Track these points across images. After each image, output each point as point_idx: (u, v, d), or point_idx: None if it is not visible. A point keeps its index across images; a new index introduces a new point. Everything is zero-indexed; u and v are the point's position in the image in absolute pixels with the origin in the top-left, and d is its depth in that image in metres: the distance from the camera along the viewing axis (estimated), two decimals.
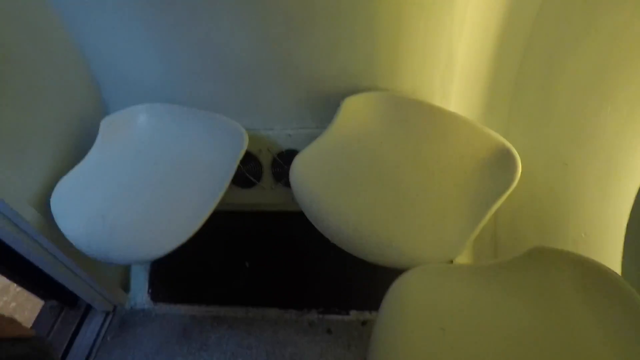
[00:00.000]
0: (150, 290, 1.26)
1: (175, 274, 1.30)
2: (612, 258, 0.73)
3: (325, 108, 1.00)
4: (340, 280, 1.20)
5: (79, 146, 1.01)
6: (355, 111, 0.96)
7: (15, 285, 1.81)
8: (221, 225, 1.34)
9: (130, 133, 1.03)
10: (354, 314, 1.14)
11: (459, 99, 0.99)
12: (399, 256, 0.74)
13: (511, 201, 0.80)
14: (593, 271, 0.62)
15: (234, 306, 1.19)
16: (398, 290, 0.68)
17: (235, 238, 1.32)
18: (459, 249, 0.73)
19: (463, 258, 1.16)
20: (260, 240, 1.29)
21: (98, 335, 1.22)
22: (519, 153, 0.79)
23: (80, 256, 1.01)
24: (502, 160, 0.81)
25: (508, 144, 0.82)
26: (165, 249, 0.80)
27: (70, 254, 1.00)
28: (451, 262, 0.86)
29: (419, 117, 0.94)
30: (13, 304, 1.78)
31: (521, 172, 0.77)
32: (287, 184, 1.15)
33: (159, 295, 1.25)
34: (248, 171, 1.13)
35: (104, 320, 1.25)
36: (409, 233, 0.75)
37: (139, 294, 1.26)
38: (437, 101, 0.97)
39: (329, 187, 0.86)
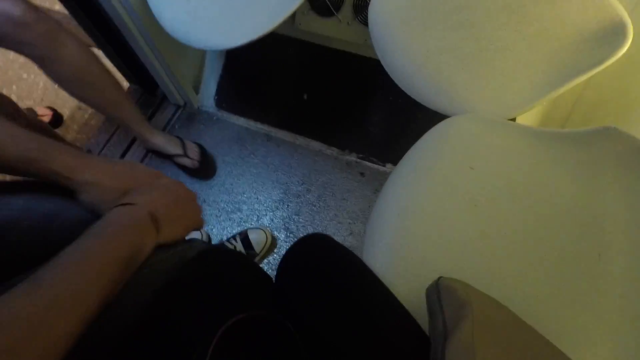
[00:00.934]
0: (216, 97, 1.38)
1: (241, 88, 1.40)
2: None
3: None
4: (387, 134, 1.24)
5: None
6: None
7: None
8: (292, 53, 1.37)
9: None
10: (389, 167, 1.21)
11: None
12: (453, 103, 0.73)
13: (598, 89, 0.73)
14: None
15: (285, 130, 1.29)
16: (442, 128, 0.70)
17: (301, 69, 1.35)
18: (517, 110, 0.70)
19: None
20: (323, 76, 1.32)
21: (168, 122, 1.40)
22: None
23: (165, 43, 1.10)
24: (609, 37, 0.71)
25: (627, 20, 0.70)
26: (238, 41, 0.84)
27: (159, 41, 1.09)
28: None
29: None
30: None
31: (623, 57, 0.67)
32: (364, 22, 1.11)
33: (224, 103, 1.37)
34: None
35: (175, 112, 1.42)
36: (473, 83, 0.73)
37: (207, 97, 1.38)
38: None
39: (405, 22, 0.82)
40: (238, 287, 0.48)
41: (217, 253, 0.51)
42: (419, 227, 0.57)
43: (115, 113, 1.07)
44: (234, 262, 0.52)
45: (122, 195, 0.48)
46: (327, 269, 0.46)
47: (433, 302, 0.40)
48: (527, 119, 1.08)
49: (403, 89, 0.79)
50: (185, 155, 1.22)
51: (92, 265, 0.36)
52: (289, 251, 0.52)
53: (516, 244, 0.54)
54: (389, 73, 0.81)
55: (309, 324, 0.44)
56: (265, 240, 1.07)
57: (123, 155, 1.38)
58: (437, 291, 0.40)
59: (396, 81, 0.80)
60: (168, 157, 1.25)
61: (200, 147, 1.26)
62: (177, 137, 1.27)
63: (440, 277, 0.42)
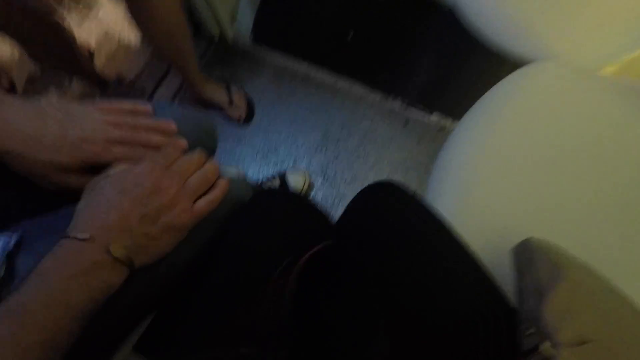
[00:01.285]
0: (254, 32, 1.30)
1: (281, 23, 1.30)
2: None
3: None
4: (438, 81, 1.16)
5: None
6: None
7: None
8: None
9: None
10: (435, 117, 1.14)
11: None
12: (533, 47, 0.66)
13: None
14: None
15: (326, 71, 1.22)
16: (519, 76, 0.63)
17: (348, 3, 1.24)
18: (607, 60, 0.62)
19: None
20: (372, 13, 1.21)
21: (203, 56, 1.34)
22: None
23: None
24: None
25: None
26: None
27: None
28: None
29: None
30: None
31: None
32: None
33: (261, 39, 1.29)
34: None
35: (208, 47, 1.35)
36: (559, 24, 0.64)
37: (243, 32, 1.30)
38: None
39: None
40: (300, 225, 0.46)
41: (272, 194, 0.49)
42: (493, 182, 0.53)
43: (179, 62, 1.02)
44: (291, 201, 0.50)
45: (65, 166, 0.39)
46: (403, 224, 0.43)
47: (525, 261, 0.38)
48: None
49: (472, 29, 0.71)
50: (231, 103, 1.17)
51: (34, 318, 0.30)
52: (361, 195, 0.49)
53: (602, 207, 0.51)
54: (459, 8, 0.72)
55: (379, 274, 0.42)
56: (303, 184, 1.06)
57: (157, 87, 1.33)
58: (530, 250, 0.38)
59: (466, 19, 0.72)
60: (215, 108, 1.20)
61: (246, 95, 1.21)
62: (224, 82, 1.21)
63: (531, 237, 0.39)
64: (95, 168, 0.41)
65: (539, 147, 0.56)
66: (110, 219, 0.35)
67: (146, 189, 0.37)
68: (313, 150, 1.14)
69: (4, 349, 0.28)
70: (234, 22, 1.31)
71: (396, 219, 0.44)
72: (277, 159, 1.15)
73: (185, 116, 0.56)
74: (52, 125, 0.39)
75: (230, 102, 1.16)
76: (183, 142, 0.47)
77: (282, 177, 1.07)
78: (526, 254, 0.38)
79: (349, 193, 1.08)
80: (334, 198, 1.09)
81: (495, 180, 0.54)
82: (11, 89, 1.09)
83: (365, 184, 1.03)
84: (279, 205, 0.47)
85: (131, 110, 0.46)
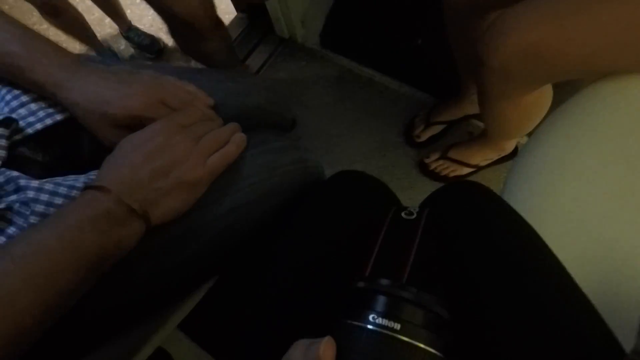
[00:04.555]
0: (322, 34, 1.32)
1: (351, 27, 1.32)
2: None
3: None
4: None
5: None
6: None
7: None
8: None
9: None
10: None
11: None
12: None
13: None
14: None
15: (390, 77, 1.21)
16: (606, 88, 0.57)
17: (419, 11, 1.23)
18: None
19: None
20: (440, 23, 1.19)
21: (271, 55, 1.39)
22: None
23: None
24: None
25: None
26: None
27: None
28: None
29: None
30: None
31: None
32: None
33: (329, 42, 1.31)
34: None
35: (278, 45, 1.39)
36: None
37: (313, 33, 1.33)
38: None
39: None
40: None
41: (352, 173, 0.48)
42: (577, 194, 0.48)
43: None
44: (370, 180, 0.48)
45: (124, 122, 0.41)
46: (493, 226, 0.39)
47: None
48: None
49: None
50: None
51: (47, 253, 0.30)
52: (445, 190, 0.45)
53: None
54: None
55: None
56: None
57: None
58: None
59: None
60: None
61: None
62: None
63: None
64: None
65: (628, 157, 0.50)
66: (124, 172, 0.37)
67: (157, 144, 0.39)
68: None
69: (14, 281, 0.29)
70: (305, 25, 1.35)
71: (488, 226, 0.39)
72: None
73: (250, 81, 0.58)
74: (111, 82, 0.43)
75: None
76: (209, 99, 0.48)
77: None
78: None
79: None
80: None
81: (580, 193, 0.49)
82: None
83: (422, 193, 0.99)
84: (354, 186, 0.46)
85: (191, 92, 0.48)
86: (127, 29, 1.60)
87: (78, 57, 0.45)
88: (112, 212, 0.35)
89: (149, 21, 1.98)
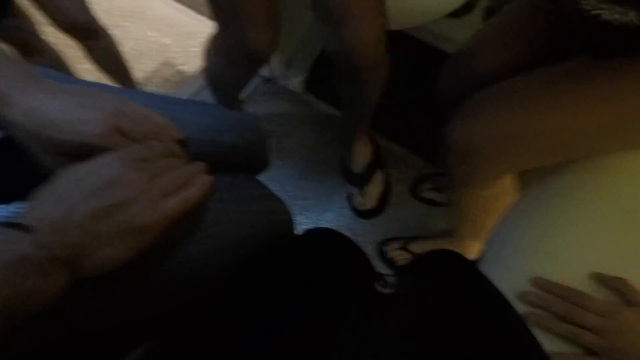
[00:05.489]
0: (307, 79, 1.33)
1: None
2: None
3: None
4: None
5: None
6: None
7: (202, 35, 2.10)
8: (403, 51, 1.27)
9: None
10: None
11: None
12: None
13: None
14: None
15: (374, 130, 1.20)
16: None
17: (409, 68, 1.26)
18: None
19: None
20: (433, 80, 1.22)
21: (253, 92, 1.37)
22: None
23: None
24: None
25: None
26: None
27: None
28: None
29: None
30: (194, 49, 2.08)
31: None
32: None
33: (312, 87, 1.31)
34: None
35: (260, 84, 1.38)
36: None
37: (297, 77, 1.33)
38: None
39: None
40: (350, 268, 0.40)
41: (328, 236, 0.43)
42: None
43: None
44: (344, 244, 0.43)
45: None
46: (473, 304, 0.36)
47: None
48: None
49: None
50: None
51: None
52: (421, 263, 0.41)
53: None
54: None
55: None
56: None
57: None
58: None
59: None
60: None
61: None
62: None
63: None
64: None
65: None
66: (57, 209, 0.30)
67: (104, 179, 0.32)
68: (344, 204, 1.09)
69: None
70: (290, 68, 1.35)
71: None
72: (306, 204, 1.10)
73: (228, 117, 0.53)
74: (65, 104, 0.37)
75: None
76: (176, 133, 0.42)
77: None
78: None
79: (375, 255, 1.00)
80: None
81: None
82: None
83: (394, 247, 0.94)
84: (329, 248, 0.41)
85: (157, 123, 0.42)
86: None
87: (32, 69, 0.39)
88: (29, 259, 0.28)
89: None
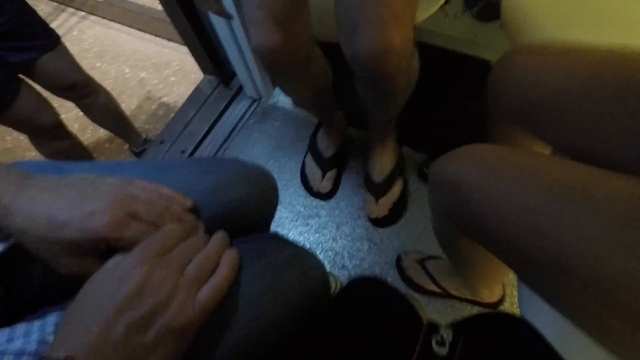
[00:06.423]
0: None
1: None
2: None
3: None
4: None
5: None
6: None
7: (176, 62, 2.07)
8: None
9: None
10: None
11: None
12: None
13: None
14: None
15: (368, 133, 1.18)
16: None
17: None
18: None
19: None
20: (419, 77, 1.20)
21: (242, 117, 1.34)
22: None
23: None
24: None
25: None
26: None
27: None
28: None
29: None
30: (172, 78, 2.05)
31: None
32: (477, 16, 0.99)
33: None
34: None
35: (249, 106, 1.35)
36: None
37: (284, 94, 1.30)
38: None
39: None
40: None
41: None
42: None
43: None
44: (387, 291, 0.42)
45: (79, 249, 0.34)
46: None
47: None
48: None
49: None
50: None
51: None
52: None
53: None
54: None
55: None
56: (334, 287, 0.92)
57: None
58: None
59: None
60: None
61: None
62: None
63: None
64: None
65: None
66: (93, 333, 0.28)
67: (134, 285, 0.31)
68: (357, 215, 1.07)
69: None
70: (275, 86, 1.33)
71: None
72: (319, 223, 1.08)
73: (231, 169, 0.51)
74: (67, 199, 0.35)
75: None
76: (186, 201, 0.42)
77: None
78: None
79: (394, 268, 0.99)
80: (382, 265, 0.99)
81: None
82: None
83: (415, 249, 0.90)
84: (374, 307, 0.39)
85: (165, 196, 0.41)
86: (144, 142, 1.62)
87: (25, 173, 0.37)
88: None
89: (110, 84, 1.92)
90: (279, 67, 0.72)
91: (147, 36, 2.18)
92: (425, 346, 0.32)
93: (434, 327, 0.34)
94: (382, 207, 1.01)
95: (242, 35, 1.05)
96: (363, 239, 1.04)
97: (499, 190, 0.38)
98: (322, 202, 1.10)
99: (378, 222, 1.04)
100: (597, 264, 0.29)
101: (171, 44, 2.12)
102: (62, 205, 0.35)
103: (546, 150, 0.60)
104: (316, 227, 1.07)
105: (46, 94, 1.19)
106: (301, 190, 1.13)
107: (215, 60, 1.29)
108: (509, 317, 0.38)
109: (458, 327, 0.36)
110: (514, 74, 0.50)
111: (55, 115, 1.21)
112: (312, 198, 1.11)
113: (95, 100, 1.33)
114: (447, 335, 0.33)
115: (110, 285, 0.31)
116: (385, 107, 0.82)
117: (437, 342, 0.32)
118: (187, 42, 1.27)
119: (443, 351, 0.32)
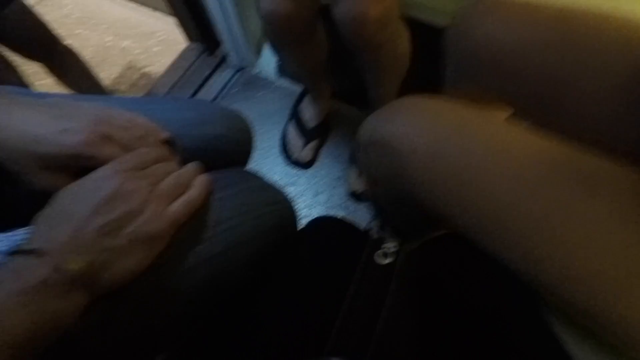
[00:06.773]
0: (279, 63, 1.30)
1: None
2: None
3: None
4: None
5: None
6: None
7: (160, 33, 2.03)
8: None
9: None
10: None
11: None
12: None
13: None
14: None
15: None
16: None
17: None
18: None
19: None
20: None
21: (225, 85, 1.34)
22: None
23: None
24: None
25: None
26: None
27: None
28: None
29: None
30: (156, 49, 2.01)
31: None
32: None
33: (286, 71, 1.29)
34: None
35: (233, 75, 1.35)
36: None
37: (269, 63, 1.30)
38: None
39: None
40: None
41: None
42: None
43: None
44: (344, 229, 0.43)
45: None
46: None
47: None
48: None
49: None
50: None
51: None
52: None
53: None
54: None
55: None
56: None
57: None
58: None
59: None
60: None
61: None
62: None
63: None
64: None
65: None
66: (65, 230, 0.30)
67: (107, 193, 0.32)
68: (334, 184, 1.09)
69: None
70: (260, 54, 1.33)
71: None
72: (297, 190, 1.09)
73: (209, 109, 0.52)
74: (44, 115, 0.36)
75: None
76: (162, 133, 0.42)
77: None
78: None
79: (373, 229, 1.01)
80: None
81: None
82: None
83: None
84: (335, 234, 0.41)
85: (142, 125, 0.41)
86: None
87: (4, 89, 0.37)
88: (49, 282, 0.27)
89: (89, 52, 1.86)
90: (288, 36, 0.73)
91: (132, 4, 2.13)
92: (369, 257, 0.34)
93: (379, 241, 0.36)
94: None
95: (229, 1, 1.04)
96: (339, 207, 1.06)
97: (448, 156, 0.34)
98: (300, 172, 1.12)
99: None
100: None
101: (157, 13, 2.08)
102: (39, 120, 0.35)
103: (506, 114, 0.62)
104: (293, 195, 1.09)
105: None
106: (279, 160, 1.14)
107: (201, 27, 1.27)
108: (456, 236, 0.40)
109: (403, 240, 0.38)
110: (474, 27, 0.51)
111: (20, 78, 1.18)
112: (291, 167, 1.13)
113: (65, 60, 1.28)
114: (392, 248, 0.35)
115: (84, 192, 0.32)
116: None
117: (379, 255, 0.34)
118: (174, 7, 1.25)
119: (384, 260, 0.34)
